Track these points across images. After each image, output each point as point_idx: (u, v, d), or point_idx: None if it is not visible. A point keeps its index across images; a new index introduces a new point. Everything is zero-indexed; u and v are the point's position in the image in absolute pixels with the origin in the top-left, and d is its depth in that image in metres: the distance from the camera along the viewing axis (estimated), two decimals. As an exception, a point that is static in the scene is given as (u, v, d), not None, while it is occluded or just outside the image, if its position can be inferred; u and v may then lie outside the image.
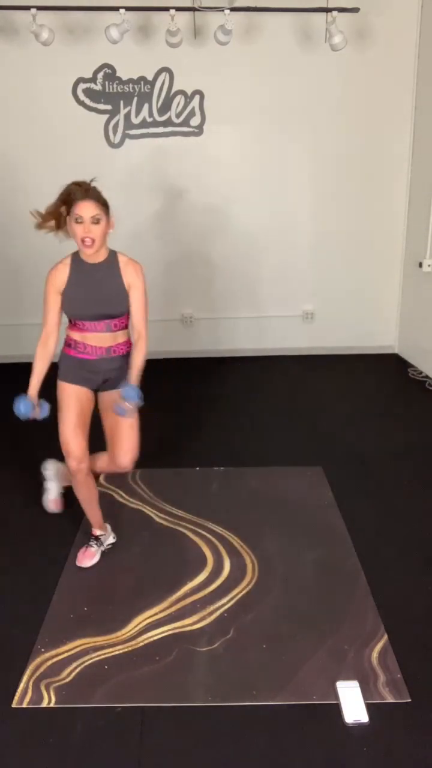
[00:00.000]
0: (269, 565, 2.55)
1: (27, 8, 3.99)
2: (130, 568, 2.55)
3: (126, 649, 2.12)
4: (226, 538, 2.74)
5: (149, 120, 4.69)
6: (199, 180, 4.86)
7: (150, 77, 4.58)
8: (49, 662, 2.07)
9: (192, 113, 4.68)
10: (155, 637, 2.17)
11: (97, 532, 2.63)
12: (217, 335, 5.25)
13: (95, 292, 2.35)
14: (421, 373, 4.80)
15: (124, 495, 3.11)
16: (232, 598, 2.36)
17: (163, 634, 2.18)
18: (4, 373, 4.84)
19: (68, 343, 2.46)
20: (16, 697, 1.93)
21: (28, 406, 2.30)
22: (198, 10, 4.23)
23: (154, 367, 5.04)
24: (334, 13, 4.15)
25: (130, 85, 4.60)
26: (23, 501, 3.09)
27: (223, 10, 4.03)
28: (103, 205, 2.28)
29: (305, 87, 4.64)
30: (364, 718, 1.83)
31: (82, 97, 4.61)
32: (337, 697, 1.90)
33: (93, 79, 4.58)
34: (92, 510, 2.59)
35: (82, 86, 4.58)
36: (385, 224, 5.02)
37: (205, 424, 3.96)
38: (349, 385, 4.67)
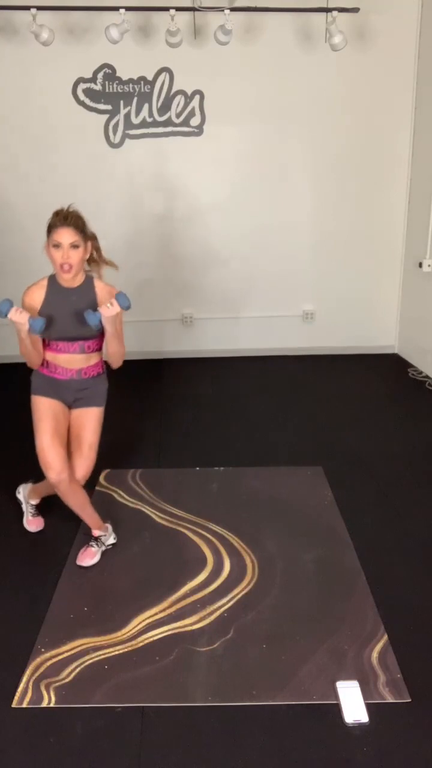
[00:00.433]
0: (269, 565, 2.55)
1: (27, 8, 3.99)
2: (130, 568, 2.55)
3: (126, 649, 2.12)
4: (226, 538, 2.74)
5: (149, 120, 4.69)
6: (199, 180, 4.86)
7: (150, 77, 4.59)
8: (49, 662, 2.07)
9: (192, 113, 4.68)
10: (155, 637, 2.17)
11: (97, 533, 2.63)
12: (217, 335, 5.25)
13: (70, 314, 2.39)
14: (421, 373, 4.80)
15: (124, 495, 3.11)
16: (232, 598, 2.36)
17: (163, 634, 2.18)
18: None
19: (41, 363, 2.51)
20: (16, 697, 1.93)
21: (7, 305, 2.19)
22: (198, 10, 4.23)
23: (154, 367, 5.09)
24: (334, 13, 4.15)
25: (130, 85, 4.60)
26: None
27: (223, 10, 4.03)
28: (81, 231, 2.34)
29: (305, 87, 4.64)
30: (364, 718, 1.83)
31: (82, 97, 4.61)
32: (337, 697, 1.90)
33: (93, 79, 4.58)
34: (87, 514, 2.59)
35: (82, 86, 4.58)
36: (385, 224, 5.02)
37: (205, 424, 3.96)
38: (349, 385, 4.67)
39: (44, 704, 1.91)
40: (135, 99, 4.63)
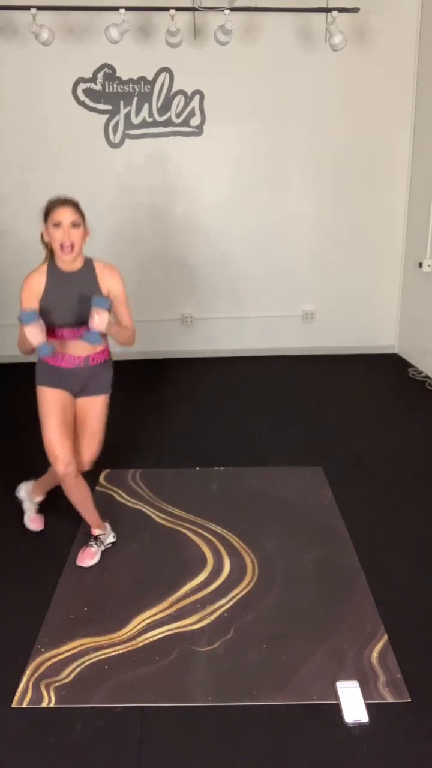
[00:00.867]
0: (269, 565, 2.55)
1: (27, 8, 4.00)
2: (130, 568, 2.55)
3: (126, 649, 2.12)
4: (226, 538, 2.74)
5: (149, 120, 4.69)
6: (199, 180, 4.86)
7: (150, 77, 4.59)
8: (49, 662, 2.07)
9: (192, 113, 4.68)
10: (155, 637, 2.17)
11: (96, 531, 2.63)
12: (217, 335, 5.26)
13: (74, 300, 2.34)
14: (421, 373, 4.80)
15: (124, 495, 3.11)
16: (232, 598, 2.36)
17: (163, 634, 2.18)
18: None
19: None
20: (16, 697, 1.93)
21: (32, 315, 2.22)
22: (198, 10, 4.23)
23: (154, 367, 5.09)
24: (334, 13, 4.15)
25: (130, 85, 4.60)
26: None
27: (223, 10, 4.03)
28: (80, 212, 2.32)
29: (305, 87, 4.64)
30: (364, 718, 1.83)
31: (82, 97, 4.61)
32: (337, 697, 1.90)
33: (93, 79, 4.58)
34: (88, 511, 2.59)
35: (82, 86, 4.58)
36: (385, 224, 5.02)
37: (205, 424, 3.96)
38: (349, 385, 4.67)
39: (44, 704, 1.91)
40: (135, 99, 4.63)
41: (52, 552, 2.66)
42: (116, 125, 4.69)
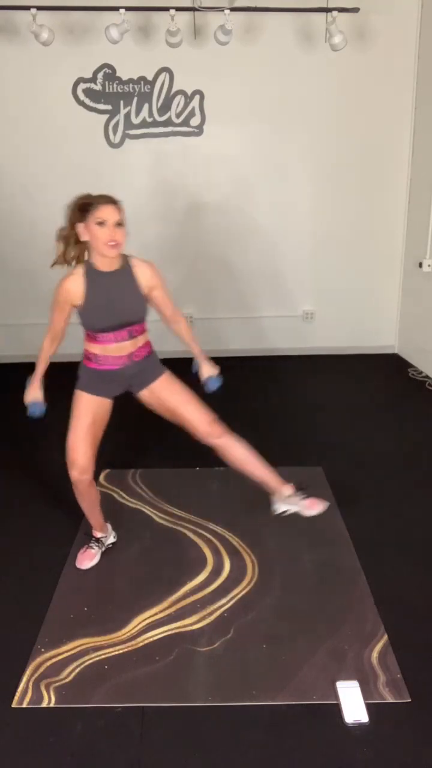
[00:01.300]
0: (269, 565, 2.55)
1: (27, 8, 3.99)
2: (130, 568, 2.56)
3: (126, 649, 2.12)
4: (226, 538, 2.74)
5: (149, 120, 4.68)
6: (199, 180, 4.86)
7: (150, 77, 4.58)
8: (49, 662, 2.07)
9: (192, 113, 4.68)
10: (155, 637, 2.17)
11: (98, 534, 2.63)
12: (217, 335, 5.25)
13: (115, 302, 2.28)
14: (421, 373, 4.80)
15: (124, 495, 3.11)
16: (232, 598, 2.36)
17: (163, 634, 2.18)
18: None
19: (88, 357, 2.40)
20: (16, 697, 1.93)
21: (38, 407, 2.41)
22: (198, 10, 4.23)
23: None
24: (334, 13, 4.15)
25: (130, 85, 4.60)
26: (23, 501, 3.09)
27: (223, 10, 4.03)
28: (122, 211, 2.28)
29: (305, 87, 4.64)
30: (364, 718, 1.83)
31: (82, 97, 4.61)
32: (337, 697, 1.90)
33: (93, 79, 4.57)
34: (94, 515, 2.58)
35: (82, 86, 4.58)
36: (385, 224, 5.02)
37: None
38: (349, 385, 4.67)
39: (44, 704, 1.91)
40: (135, 99, 4.63)
41: (52, 552, 2.66)
42: (116, 125, 4.69)
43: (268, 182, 4.89)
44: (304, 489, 2.58)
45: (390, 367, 5.05)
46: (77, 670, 2.03)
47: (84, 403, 2.39)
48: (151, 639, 2.16)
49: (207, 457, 3.52)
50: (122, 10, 3.98)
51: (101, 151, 4.73)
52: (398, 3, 4.48)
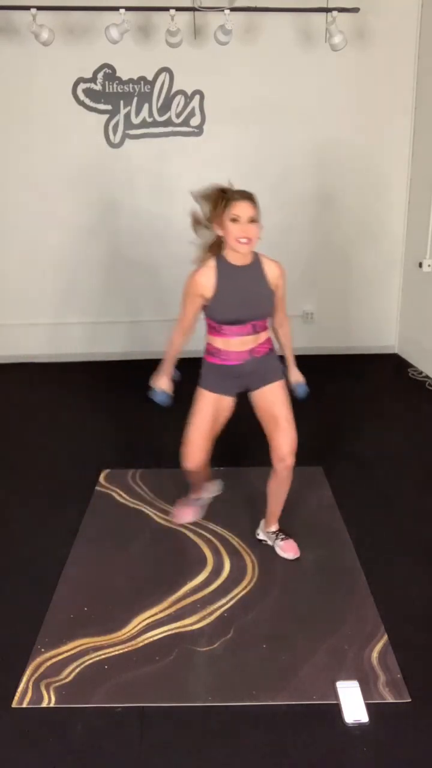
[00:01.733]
0: (269, 565, 2.55)
1: (27, 8, 4.00)
2: (130, 568, 2.55)
3: (126, 649, 2.12)
4: (226, 538, 2.74)
5: (149, 120, 4.69)
6: (199, 180, 4.80)
7: (150, 77, 4.59)
8: (49, 662, 2.07)
9: (192, 113, 4.68)
10: (155, 637, 2.17)
11: (198, 495, 2.83)
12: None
13: (245, 294, 2.31)
14: (421, 373, 4.80)
15: (124, 495, 3.11)
16: (232, 598, 2.36)
17: (163, 634, 2.18)
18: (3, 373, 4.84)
19: (210, 352, 2.45)
20: (16, 697, 1.93)
21: (165, 397, 2.43)
22: (198, 10, 4.23)
23: (155, 367, 5.07)
24: (334, 13, 4.15)
25: (130, 85, 4.60)
26: (23, 501, 3.09)
27: (223, 10, 4.03)
28: (257, 208, 2.27)
29: (305, 87, 4.64)
30: (364, 718, 1.83)
31: (82, 97, 4.61)
32: (337, 697, 1.90)
33: (93, 79, 4.58)
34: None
35: (82, 86, 4.58)
36: (385, 224, 5.02)
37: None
38: (349, 385, 4.66)
39: (44, 704, 1.91)
40: (135, 99, 4.63)
41: (52, 551, 2.66)
42: (116, 125, 4.69)
43: (267, 182, 4.88)
44: (287, 534, 2.66)
45: (390, 367, 5.05)
46: (77, 670, 2.03)
47: (206, 401, 2.45)
48: (151, 639, 2.16)
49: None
50: (122, 10, 3.98)
51: (101, 151, 4.73)
52: (398, 3, 4.48)
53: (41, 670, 2.04)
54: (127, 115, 4.67)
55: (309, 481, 3.21)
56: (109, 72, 4.56)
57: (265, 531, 2.69)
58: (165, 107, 4.66)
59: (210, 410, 2.43)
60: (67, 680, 1.99)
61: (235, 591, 2.40)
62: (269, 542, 2.67)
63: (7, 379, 4.83)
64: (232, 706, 1.89)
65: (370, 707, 1.86)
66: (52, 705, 1.90)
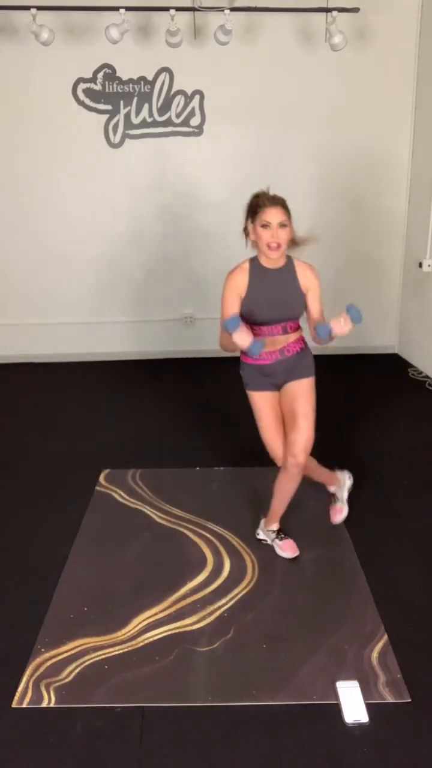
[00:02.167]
0: (269, 565, 2.55)
1: (27, 8, 3.99)
2: (130, 568, 2.55)
3: (126, 649, 2.12)
4: (226, 538, 2.74)
5: (149, 120, 4.69)
6: (199, 180, 4.86)
7: (150, 77, 4.59)
8: (49, 662, 2.07)
9: (192, 113, 4.68)
10: (155, 637, 2.17)
11: (332, 488, 2.82)
12: (218, 335, 5.24)
13: (276, 296, 2.38)
14: (421, 373, 4.80)
15: (124, 495, 3.11)
16: (232, 598, 2.36)
17: (163, 634, 2.18)
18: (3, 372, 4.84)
19: (244, 352, 2.45)
20: (16, 697, 1.93)
21: (237, 321, 2.27)
22: (198, 10, 4.23)
23: (155, 367, 5.09)
24: (334, 13, 4.15)
25: (130, 85, 4.60)
26: (23, 501, 3.09)
27: (223, 10, 4.03)
28: (288, 211, 2.34)
29: (305, 87, 4.64)
30: (364, 718, 1.83)
31: (82, 97, 4.61)
32: (337, 697, 1.90)
33: (93, 79, 4.58)
34: (319, 476, 2.72)
35: (82, 86, 4.58)
36: (386, 224, 5.02)
37: (205, 424, 3.96)
38: (349, 385, 4.66)
39: (44, 704, 1.91)
40: (135, 99, 4.63)
41: (52, 552, 2.66)
42: (116, 125, 4.69)
43: (267, 182, 4.87)
44: (286, 534, 2.67)
45: (390, 367, 5.05)
46: (77, 670, 2.03)
47: (259, 402, 2.50)
48: (151, 639, 2.16)
49: (207, 457, 3.54)
50: (122, 10, 3.98)
51: (101, 151, 4.73)
52: (398, 3, 4.48)
53: (41, 670, 2.04)
54: (127, 115, 4.67)
55: (309, 481, 3.21)
56: (109, 72, 4.56)
57: (266, 530, 2.69)
58: (165, 107, 4.66)
59: (268, 407, 2.49)
60: (67, 680, 1.99)
61: (235, 591, 2.40)
62: (268, 541, 2.67)
63: (7, 379, 4.83)
64: (232, 706, 1.89)
65: (370, 707, 1.86)
66: (52, 705, 1.90)
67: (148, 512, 2.96)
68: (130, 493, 3.13)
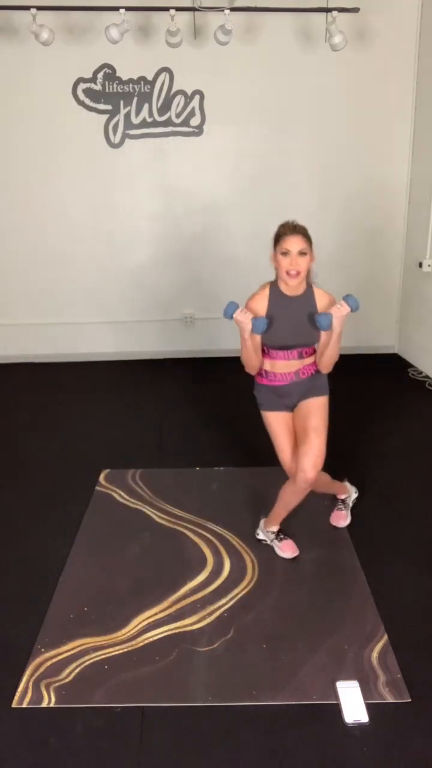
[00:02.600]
0: (269, 565, 2.55)
1: (27, 8, 3.99)
2: (130, 568, 2.56)
3: (126, 649, 2.12)
4: (226, 538, 2.74)
5: (149, 120, 4.68)
6: (199, 180, 4.85)
7: (150, 77, 4.58)
8: (49, 662, 2.07)
9: (192, 113, 4.68)
10: (155, 637, 2.17)
11: (342, 496, 2.89)
12: (217, 335, 5.24)
13: (293, 323, 2.42)
14: (421, 373, 4.80)
15: (124, 495, 3.11)
16: (232, 598, 2.36)
17: (163, 634, 2.18)
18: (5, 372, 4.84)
19: (260, 373, 2.54)
20: (16, 697, 1.93)
21: (234, 307, 2.34)
22: (198, 10, 4.23)
23: (155, 367, 5.09)
24: (334, 13, 4.15)
25: (130, 85, 4.60)
26: (23, 501, 3.09)
27: (223, 10, 4.03)
28: (309, 240, 2.38)
29: (305, 87, 4.64)
30: (364, 718, 1.83)
31: (82, 97, 4.61)
32: (337, 697, 1.90)
33: (93, 79, 4.58)
34: (333, 489, 2.82)
35: (82, 86, 4.58)
36: (386, 224, 5.01)
37: (205, 424, 3.96)
38: (349, 385, 4.66)
39: (44, 704, 1.91)
40: (135, 99, 4.63)
41: (52, 551, 2.66)
42: (116, 125, 4.69)
43: (267, 182, 4.88)
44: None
45: (390, 367, 5.05)
46: (77, 670, 2.03)
47: (275, 422, 2.53)
48: (151, 639, 2.16)
49: (207, 457, 3.54)
50: (122, 10, 3.98)
51: (101, 151, 4.73)
52: (398, 3, 4.48)
53: (41, 670, 2.04)
54: (127, 115, 4.67)
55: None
56: (109, 72, 4.56)
57: (266, 530, 2.69)
58: (165, 107, 4.66)
59: (283, 427, 2.52)
60: (67, 680, 1.99)
61: (235, 591, 2.40)
62: (268, 541, 2.67)
63: (7, 379, 4.83)
64: (232, 706, 1.89)
65: (370, 707, 1.87)
66: (52, 705, 1.91)
67: (148, 512, 2.96)
68: (130, 493, 3.14)
